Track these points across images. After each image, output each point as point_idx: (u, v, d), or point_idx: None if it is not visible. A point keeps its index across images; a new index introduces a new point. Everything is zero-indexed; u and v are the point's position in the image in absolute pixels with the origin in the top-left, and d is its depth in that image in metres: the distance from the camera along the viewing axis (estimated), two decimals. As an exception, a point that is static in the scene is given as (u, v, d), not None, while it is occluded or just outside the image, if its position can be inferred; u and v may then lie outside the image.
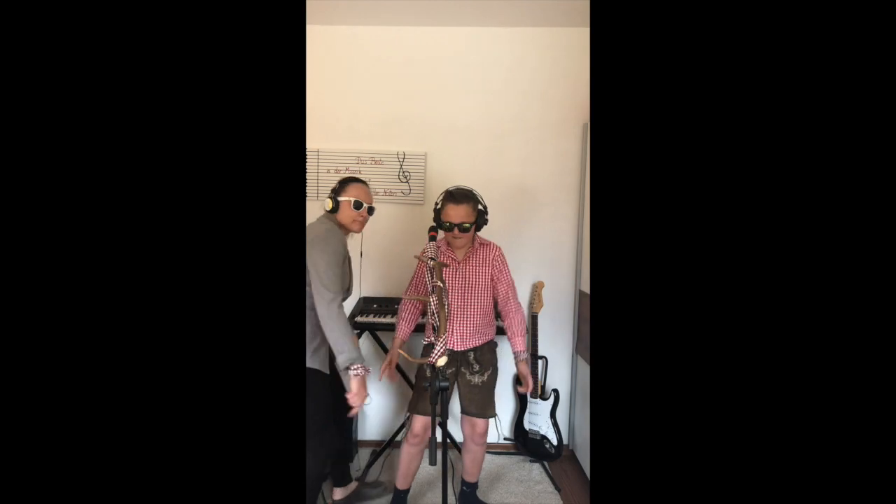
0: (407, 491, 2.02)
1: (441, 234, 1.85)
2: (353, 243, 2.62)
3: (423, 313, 2.04)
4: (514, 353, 1.92)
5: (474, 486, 2.08)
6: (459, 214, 1.79)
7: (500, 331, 2.28)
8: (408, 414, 1.94)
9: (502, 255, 1.93)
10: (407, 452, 1.94)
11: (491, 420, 1.94)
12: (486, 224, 1.88)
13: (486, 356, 1.93)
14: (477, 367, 1.91)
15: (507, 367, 2.64)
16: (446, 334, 1.42)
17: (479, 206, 1.86)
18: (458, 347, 1.90)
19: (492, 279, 1.91)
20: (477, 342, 1.91)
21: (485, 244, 1.92)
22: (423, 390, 1.87)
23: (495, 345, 2.02)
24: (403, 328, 1.97)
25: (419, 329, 2.05)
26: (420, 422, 1.88)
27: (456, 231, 1.80)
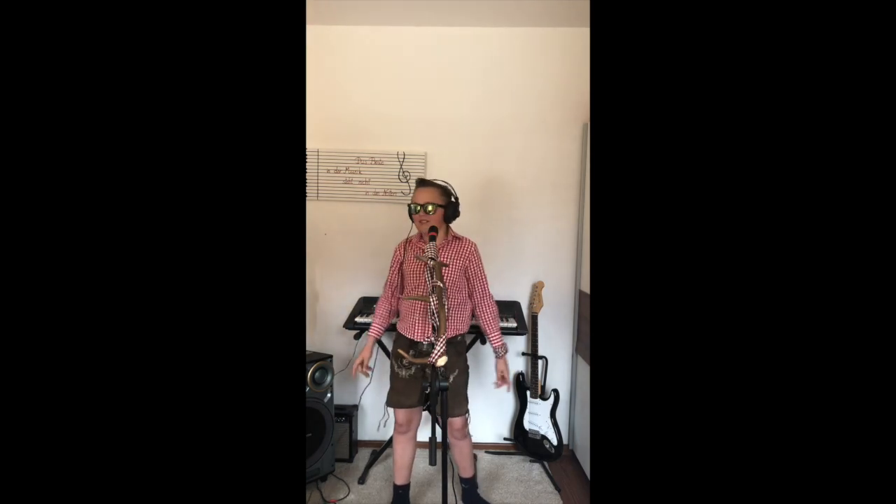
0: (407, 487, 2.01)
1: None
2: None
3: (396, 314, 2.03)
4: (494, 348, 1.94)
5: (472, 481, 2.08)
6: (425, 196, 1.81)
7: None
8: (387, 407, 1.95)
9: (477, 250, 1.92)
10: (398, 443, 1.95)
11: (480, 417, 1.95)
12: (457, 216, 1.88)
13: (451, 358, 1.85)
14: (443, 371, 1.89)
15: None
16: (446, 334, 1.42)
17: (451, 198, 1.87)
18: (420, 338, 1.86)
19: (465, 273, 1.89)
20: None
21: (459, 238, 1.92)
22: (397, 383, 1.90)
23: (465, 346, 1.99)
24: (377, 326, 1.96)
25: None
26: (402, 413, 1.90)
27: (422, 213, 1.80)
